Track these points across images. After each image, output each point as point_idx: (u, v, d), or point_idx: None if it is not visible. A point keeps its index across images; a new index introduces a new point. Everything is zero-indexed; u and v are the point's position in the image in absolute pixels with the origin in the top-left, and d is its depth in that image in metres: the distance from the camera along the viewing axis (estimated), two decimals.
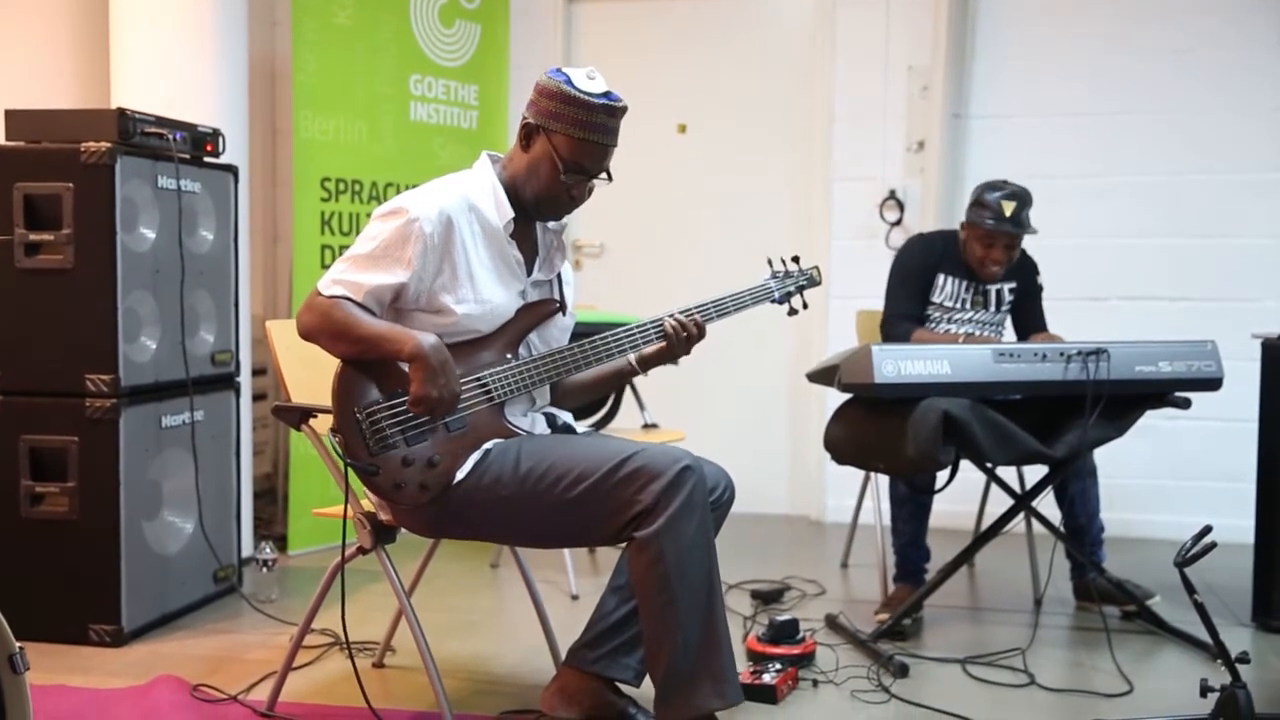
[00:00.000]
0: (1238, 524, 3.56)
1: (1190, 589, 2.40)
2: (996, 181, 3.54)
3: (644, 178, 5.04)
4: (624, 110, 2.34)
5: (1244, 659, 2.40)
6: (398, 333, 2.23)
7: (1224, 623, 3.30)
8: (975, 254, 3.55)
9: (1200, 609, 2.43)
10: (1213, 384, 3.08)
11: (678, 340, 2.45)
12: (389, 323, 2.28)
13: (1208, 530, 2.40)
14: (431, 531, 2.46)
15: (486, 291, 2.34)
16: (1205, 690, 2.41)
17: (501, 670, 2.98)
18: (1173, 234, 4.56)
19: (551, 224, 2.49)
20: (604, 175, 2.38)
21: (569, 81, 2.30)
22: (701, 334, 2.48)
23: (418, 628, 2.42)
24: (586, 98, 2.28)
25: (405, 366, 2.23)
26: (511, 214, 2.37)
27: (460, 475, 2.27)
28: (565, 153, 2.31)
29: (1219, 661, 2.43)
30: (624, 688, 2.49)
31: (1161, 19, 4.53)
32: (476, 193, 2.37)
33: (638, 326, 2.44)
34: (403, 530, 2.46)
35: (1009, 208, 3.46)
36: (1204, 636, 2.54)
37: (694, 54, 5.01)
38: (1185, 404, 3.14)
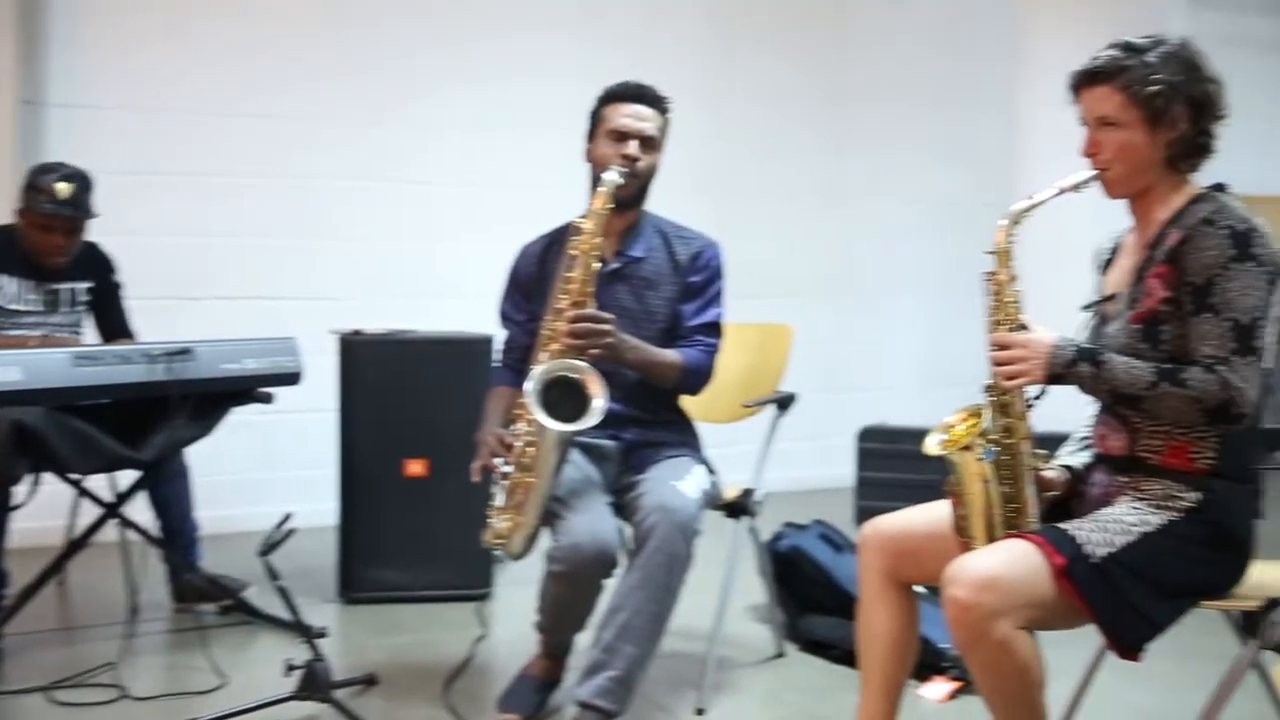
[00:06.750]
0: (326, 508, 3.78)
1: (273, 575, 2.52)
2: (50, 164, 3.37)
3: None
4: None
5: (322, 634, 2.59)
6: None
7: (313, 601, 3.50)
8: (37, 242, 3.34)
9: (282, 592, 2.56)
10: (293, 378, 3.25)
11: None
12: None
13: (288, 518, 2.53)
14: None
15: None
16: (290, 669, 2.56)
17: None
18: (260, 234, 4.74)
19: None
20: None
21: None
22: None
23: None
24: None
25: None
26: None
27: None
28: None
29: (304, 640, 2.59)
30: None
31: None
32: None
33: None
34: None
35: (66, 190, 3.29)
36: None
37: None
38: (268, 399, 3.27)
